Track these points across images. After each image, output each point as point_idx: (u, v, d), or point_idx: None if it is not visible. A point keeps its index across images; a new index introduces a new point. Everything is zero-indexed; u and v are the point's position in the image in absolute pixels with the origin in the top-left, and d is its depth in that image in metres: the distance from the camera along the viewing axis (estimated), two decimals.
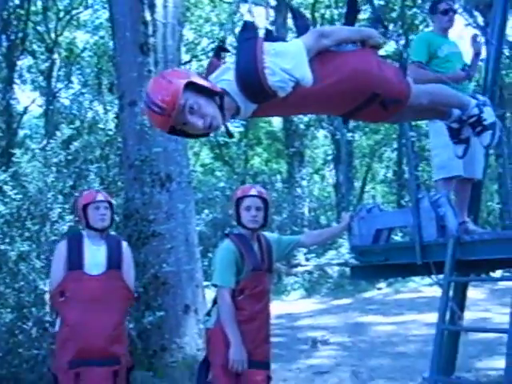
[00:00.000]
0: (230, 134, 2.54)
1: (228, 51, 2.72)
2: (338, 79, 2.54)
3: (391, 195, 23.48)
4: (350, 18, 2.88)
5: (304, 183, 17.51)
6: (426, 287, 11.43)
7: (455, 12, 4.98)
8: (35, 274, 5.72)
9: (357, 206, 18.57)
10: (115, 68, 6.86)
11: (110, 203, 4.09)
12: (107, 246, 4.01)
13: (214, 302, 3.96)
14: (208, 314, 4.01)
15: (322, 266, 14.73)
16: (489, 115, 3.14)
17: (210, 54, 2.87)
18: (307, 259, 14.82)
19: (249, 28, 2.50)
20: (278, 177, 18.87)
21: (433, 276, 4.23)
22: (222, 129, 2.46)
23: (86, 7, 20.89)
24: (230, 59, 2.63)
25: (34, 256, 5.89)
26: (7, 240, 5.95)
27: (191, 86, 2.26)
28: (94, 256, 3.94)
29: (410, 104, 2.74)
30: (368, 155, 23.76)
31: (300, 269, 14.57)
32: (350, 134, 19.07)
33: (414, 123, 15.37)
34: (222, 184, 18.17)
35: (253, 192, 3.98)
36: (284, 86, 2.39)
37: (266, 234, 4.19)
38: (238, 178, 19.91)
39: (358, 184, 23.11)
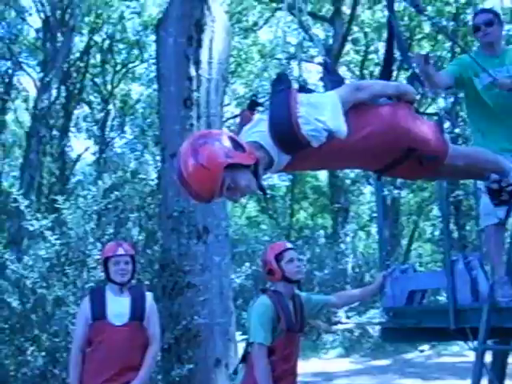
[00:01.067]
0: (263, 192, 2.47)
1: (261, 105, 2.69)
2: (373, 132, 2.53)
3: (438, 254, 22.94)
4: (386, 73, 2.96)
5: (348, 239, 17.32)
6: (470, 351, 10.97)
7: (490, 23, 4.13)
8: (70, 319, 5.79)
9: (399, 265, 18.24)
10: (159, 120, 7.06)
11: (131, 256, 4.05)
12: (131, 297, 4.01)
13: (243, 358, 3.90)
14: (235, 371, 3.95)
15: (362, 324, 14.39)
16: None
17: (260, 109, 2.90)
18: (348, 317, 14.52)
19: (282, 80, 2.50)
20: (322, 232, 18.74)
21: (469, 342, 4.09)
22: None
23: (142, 61, 21.70)
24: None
25: (70, 301, 5.98)
26: (45, 284, 6.07)
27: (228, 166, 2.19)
28: (117, 306, 3.95)
29: (446, 163, 2.69)
30: (415, 213, 23.41)
31: (340, 326, 14.26)
32: (396, 191, 18.88)
33: (462, 181, 15.12)
34: (266, 238, 18.16)
35: (289, 245, 4.02)
36: (318, 136, 2.36)
37: (299, 292, 4.15)
38: (282, 232, 19.89)
39: (404, 242, 22.72)
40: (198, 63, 6.52)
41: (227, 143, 2.23)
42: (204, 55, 6.61)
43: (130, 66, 22.01)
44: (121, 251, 4.00)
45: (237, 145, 2.25)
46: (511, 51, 4.22)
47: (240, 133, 2.50)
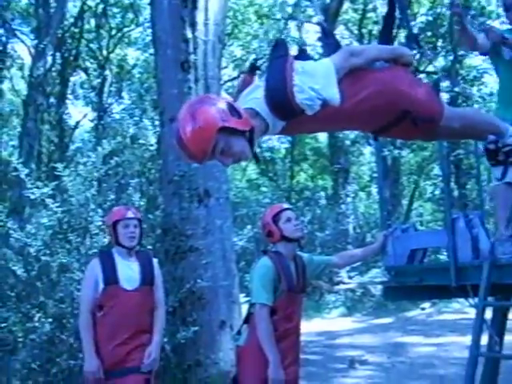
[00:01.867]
0: (257, 159, 2.56)
1: (260, 69, 2.75)
2: (367, 96, 2.56)
3: (439, 213, 23.03)
4: (386, 36, 2.93)
5: (349, 200, 17.35)
6: (471, 308, 11.09)
7: None
8: (75, 286, 5.84)
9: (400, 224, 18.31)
10: (157, 84, 6.99)
11: (139, 220, 4.09)
12: (139, 262, 4.05)
13: (246, 319, 3.96)
14: (238, 332, 4.01)
15: (364, 284, 14.54)
16: None
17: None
18: (350, 277, 14.65)
19: (280, 46, 2.53)
20: (323, 193, 18.76)
21: (469, 299, 4.12)
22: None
23: (137, 25, 21.39)
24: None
25: (75, 268, 6.02)
26: (49, 252, 6.10)
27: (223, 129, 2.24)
28: (128, 271, 3.98)
29: (442, 125, 2.70)
30: (415, 172, 23.39)
31: (342, 286, 14.40)
32: (396, 151, 18.82)
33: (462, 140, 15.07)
34: (266, 200, 18.19)
35: (286, 205, 4.13)
36: (312, 104, 2.40)
37: (301, 253, 4.18)
38: (282, 194, 19.92)
39: (405, 201, 22.76)
40: (193, 25, 6.42)
41: (224, 107, 2.28)
42: (200, 17, 6.51)
43: (126, 30, 21.69)
44: (130, 214, 4.03)
45: (233, 110, 2.30)
46: None
47: (238, 97, 2.52)
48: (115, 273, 3.93)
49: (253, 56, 23.46)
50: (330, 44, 2.80)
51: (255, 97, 2.43)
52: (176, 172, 6.25)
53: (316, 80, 2.42)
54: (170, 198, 6.34)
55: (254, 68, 2.72)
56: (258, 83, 2.51)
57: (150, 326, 4.00)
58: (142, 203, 6.75)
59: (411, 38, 3.03)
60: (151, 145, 7.58)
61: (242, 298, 7.42)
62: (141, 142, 7.52)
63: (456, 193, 18.84)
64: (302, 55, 2.64)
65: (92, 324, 3.89)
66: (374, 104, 2.58)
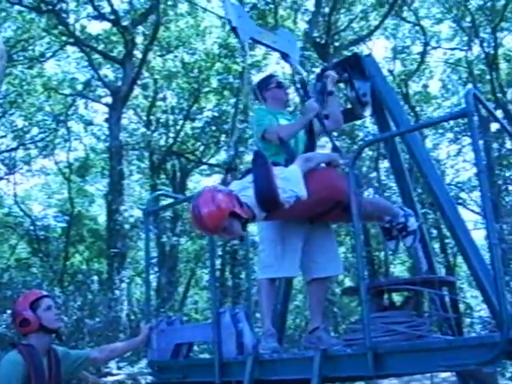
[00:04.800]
0: (241, 239, 3.86)
1: (235, 170, 5.20)
2: (316, 191, 3.66)
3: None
4: (310, 145, 4.20)
5: (123, 285, 16.81)
6: None
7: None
8: None
9: (179, 311, 18.22)
10: None
11: None
12: None
13: None
14: None
15: (134, 375, 13.89)
16: (412, 223, 4.12)
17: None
18: (119, 367, 13.92)
19: (260, 156, 3.63)
20: (96, 277, 17.98)
21: None
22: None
23: None
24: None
25: None
26: None
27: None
28: None
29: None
30: (192, 260, 23.70)
31: (110, 378, 13.59)
32: (175, 238, 18.95)
33: None
34: (36, 281, 16.86)
35: (45, 292, 3.86)
36: (290, 200, 3.51)
37: (56, 347, 3.79)
38: (54, 276, 18.71)
39: (182, 289, 22.77)
40: None
41: (234, 199, 3.39)
42: None
43: None
44: None
45: (239, 202, 3.41)
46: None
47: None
48: None
49: (35, 128, 22.44)
50: (287, 151, 4.01)
51: (246, 194, 3.48)
52: None
53: (293, 183, 3.54)
54: None
55: (229, 171, 4.46)
56: (246, 184, 3.57)
57: None
58: None
59: (335, 149, 4.17)
60: None
61: None
62: None
63: (230, 282, 19.39)
64: (275, 164, 3.73)
65: None
66: (320, 197, 3.74)
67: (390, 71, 20.73)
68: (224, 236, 3.47)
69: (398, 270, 22.82)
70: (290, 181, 3.53)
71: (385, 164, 18.94)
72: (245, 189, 3.52)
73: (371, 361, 3.27)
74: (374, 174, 18.80)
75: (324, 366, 3.43)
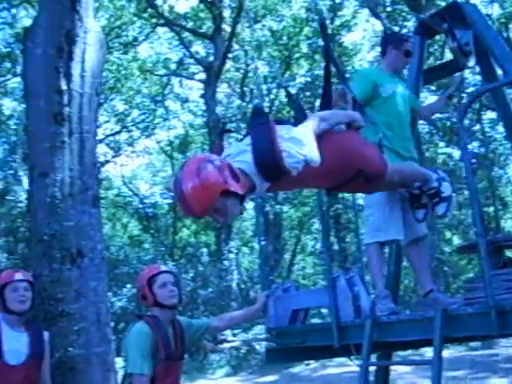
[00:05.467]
0: (241, 212, 2.78)
1: (231, 131, 3.45)
2: (333, 158, 2.99)
3: (320, 266, 23.56)
4: (326, 102, 3.33)
5: (232, 256, 17.27)
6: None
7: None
8: None
9: (287, 280, 18.50)
10: (27, 138, 6.56)
11: (30, 283, 3.83)
12: (28, 333, 3.75)
13: None
14: None
15: (249, 341, 14.34)
16: (446, 188, 3.70)
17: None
18: (234, 334, 14.42)
19: (259, 112, 2.85)
20: (205, 249, 18.57)
21: (353, 358, 4.07)
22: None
23: (15, 75, 20.53)
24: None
25: None
26: None
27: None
28: (14, 343, 3.67)
29: (386, 179, 3.25)
30: (297, 227, 23.88)
31: (226, 345, 14.12)
32: (278, 206, 19.14)
33: (340, 195, 15.63)
34: (148, 257, 17.71)
35: (164, 268, 3.84)
36: (298, 166, 2.74)
37: (179, 317, 3.96)
38: (165, 251, 19.50)
39: (287, 256, 23.08)
40: (68, 76, 6.13)
41: (226, 171, 2.53)
42: (76, 68, 6.23)
43: (1, 80, 20.75)
44: (19, 276, 3.79)
45: (234, 175, 2.56)
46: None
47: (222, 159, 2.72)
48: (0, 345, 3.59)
49: (135, 111, 23.30)
50: (296, 107, 3.29)
51: (244, 160, 2.69)
52: (46, 231, 5.81)
53: (301, 146, 2.74)
54: (40, 259, 5.86)
55: (224, 132, 3.10)
56: (244, 147, 2.77)
57: None
58: (9, 264, 6.23)
59: (356, 106, 3.44)
60: (21, 201, 7.07)
61: (120, 362, 6.97)
62: (9, 197, 6.99)
63: (336, 246, 19.39)
64: (281, 121, 2.96)
65: None
66: (337, 164, 3.07)
67: (489, 15, 19.57)
68: (217, 218, 2.62)
69: (509, 225, 21.87)
70: (298, 142, 2.75)
71: (488, 115, 18.09)
72: (243, 152, 2.74)
73: (495, 319, 3.19)
74: (477, 127, 17.99)
75: (445, 326, 3.39)
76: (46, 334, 3.94)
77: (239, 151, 2.77)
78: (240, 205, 2.61)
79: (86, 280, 5.88)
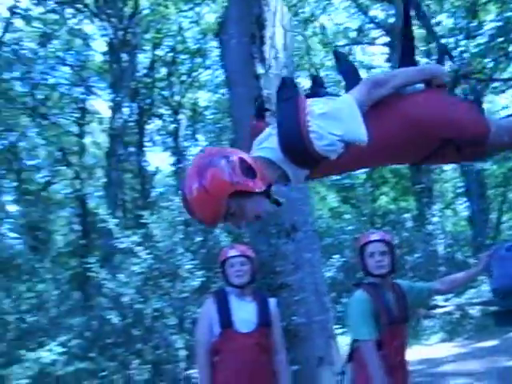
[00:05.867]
0: (277, 203, 2.27)
1: (268, 110, 2.58)
2: (399, 130, 2.32)
3: None
4: (407, 56, 2.62)
5: (435, 219, 16.73)
6: None
7: None
8: (169, 331, 5.84)
9: (495, 240, 17.47)
10: (232, 123, 7.02)
11: (248, 258, 3.97)
12: (256, 302, 3.95)
13: (349, 358, 3.80)
14: (342, 372, 3.85)
15: (462, 305, 13.85)
16: None
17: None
18: (446, 299, 14.01)
19: (287, 85, 2.27)
20: (407, 215, 18.22)
21: None
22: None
23: (206, 68, 21.86)
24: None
25: (168, 313, 6.03)
26: (142, 299, 6.15)
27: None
28: (243, 312, 3.87)
29: (491, 142, 2.41)
30: (501, 184, 22.38)
31: (439, 310, 13.78)
32: (479, 165, 18.09)
33: None
34: (350, 227, 17.86)
35: (374, 237, 3.82)
36: (334, 148, 2.18)
37: (400, 281, 3.99)
38: (366, 220, 19.52)
39: (493, 216, 21.78)
40: (263, 60, 6.42)
41: (236, 166, 2.05)
42: (268, 51, 6.51)
43: (195, 74, 22.22)
44: (233, 253, 3.97)
45: (247, 169, 2.07)
46: None
47: (252, 147, 2.32)
48: (230, 315, 3.83)
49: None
50: (345, 71, 2.59)
51: (268, 146, 2.22)
52: None
53: (336, 123, 2.17)
54: (257, 236, 6.27)
55: (260, 110, 2.54)
56: (270, 131, 2.28)
57: (268, 372, 3.87)
58: (228, 243, 6.73)
59: (441, 50, 2.70)
60: None
61: (337, 330, 7.20)
62: None
63: None
64: (317, 89, 2.47)
65: (210, 366, 3.79)
66: (408, 137, 2.34)
67: None
68: (236, 223, 2.14)
69: None
70: (334, 119, 2.16)
71: None
72: (268, 137, 2.26)
73: None
74: None
75: None
76: (272, 301, 4.07)
77: (266, 135, 2.29)
78: (264, 200, 2.14)
79: (301, 252, 6.17)
